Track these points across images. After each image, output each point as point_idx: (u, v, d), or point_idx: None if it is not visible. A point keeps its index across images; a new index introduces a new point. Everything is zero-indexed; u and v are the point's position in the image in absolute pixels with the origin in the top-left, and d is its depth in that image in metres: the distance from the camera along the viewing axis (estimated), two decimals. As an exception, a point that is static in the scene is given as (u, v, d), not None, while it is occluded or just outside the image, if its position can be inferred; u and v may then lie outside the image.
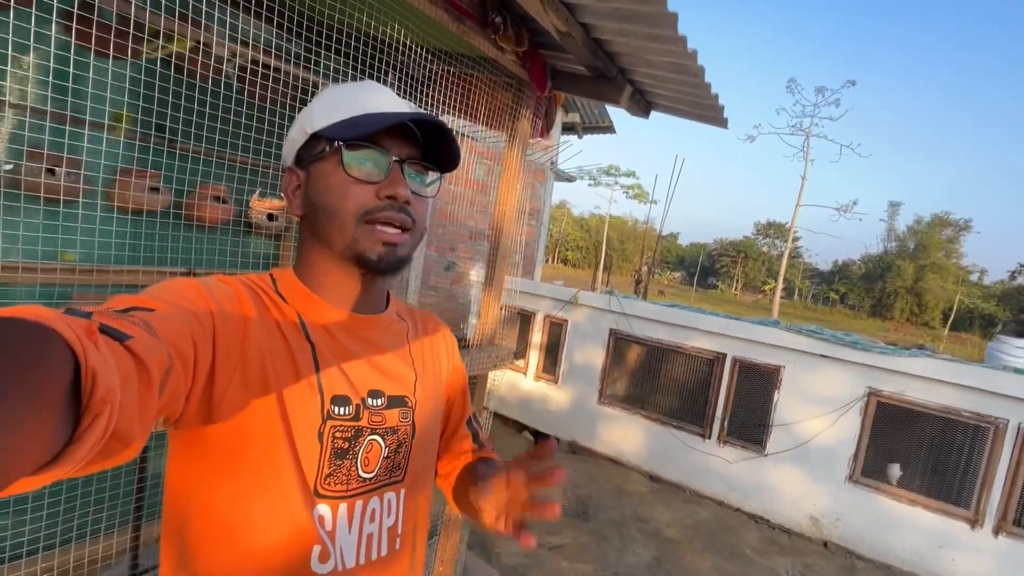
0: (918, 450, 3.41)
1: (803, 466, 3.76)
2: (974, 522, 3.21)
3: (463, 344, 2.06)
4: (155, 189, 1.99)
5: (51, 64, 1.32)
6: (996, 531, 3.15)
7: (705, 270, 64.87)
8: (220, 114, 1.74)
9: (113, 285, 1.88)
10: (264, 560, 0.54)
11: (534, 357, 5.08)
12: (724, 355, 4.07)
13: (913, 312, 43.48)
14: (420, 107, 1.30)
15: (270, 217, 2.34)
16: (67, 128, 1.68)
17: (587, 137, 7.01)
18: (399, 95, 0.63)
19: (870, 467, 3.55)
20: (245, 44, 1.70)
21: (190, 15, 1.39)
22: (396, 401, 0.62)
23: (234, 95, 1.85)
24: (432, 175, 0.63)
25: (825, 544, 3.66)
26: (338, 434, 0.57)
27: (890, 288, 44.26)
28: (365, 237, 0.56)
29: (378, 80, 1.77)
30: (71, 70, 1.27)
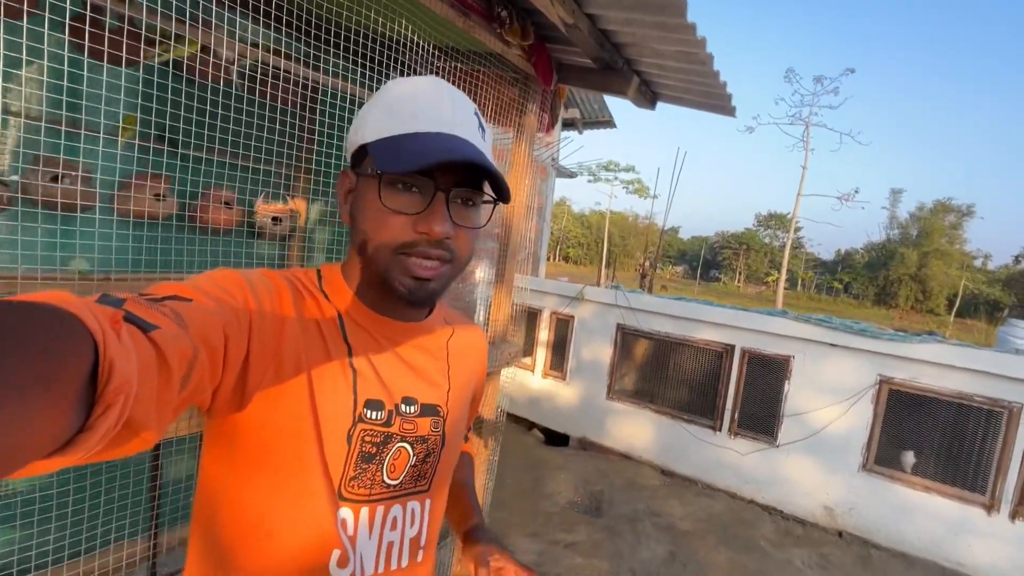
0: (932, 436, 3.39)
1: (816, 456, 3.74)
2: (990, 508, 3.19)
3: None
4: (162, 195, 1.99)
5: (64, 71, 1.32)
6: (1013, 516, 3.14)
7: (707, 263, 64.76)
8: (225, 117, 1.74)
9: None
10: (286, 558, 0.54)
11: (541, 354, 5.07)
12: (733, 347, 4.05)
13: (918, 299, 43.31)
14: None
15: (275, 220, 2.34)
16: (81, 134, 1.68)
17: (587, 132, 7.00)
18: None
19: (883, 455, 3.53)
20: (251, 46, 1.69)
21: (201, 17, 1.38)
22: (429, 410, 0.62)
23: (234, 97, 1.84)
24: (486, 199, 0.58)
25: (840, 534, 3.64)
26: (367, 438, 0.56)
27: (894, 276, 44.09)
28: (398, 269, 0.54)
29: (383, 78, 1.76)
30: (84, 76, 1.26)
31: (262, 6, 1.34)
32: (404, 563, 0.60)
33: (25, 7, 1.08)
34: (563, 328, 4.94)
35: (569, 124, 6.69)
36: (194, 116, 1.70)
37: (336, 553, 0.55)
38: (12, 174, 1.57)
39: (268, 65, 1.74)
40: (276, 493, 0.53)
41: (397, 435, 0.58)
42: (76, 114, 1.54)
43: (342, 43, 1.49)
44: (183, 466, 2.04)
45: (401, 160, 0.51)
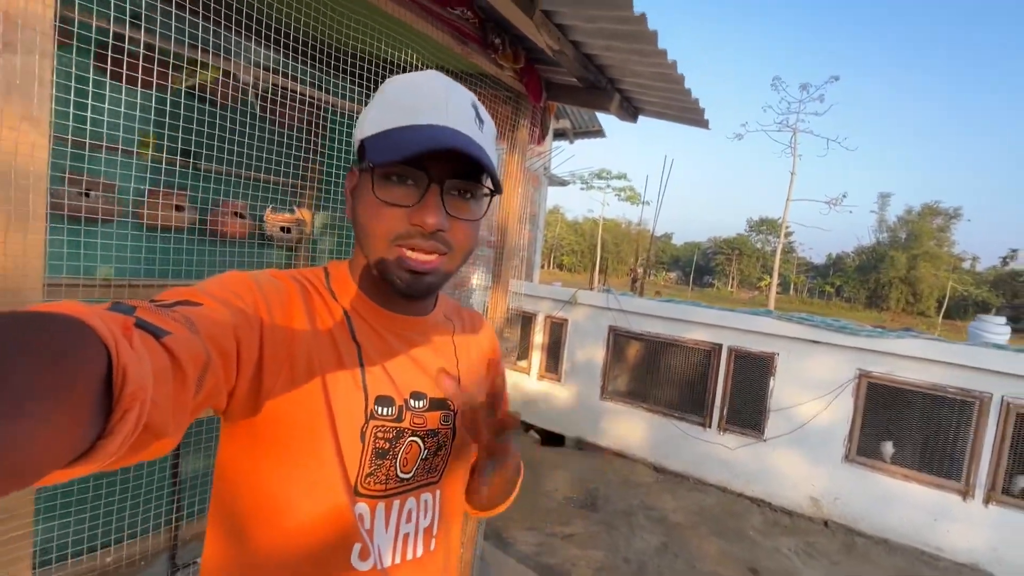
0: (909, 427, 3.56)
1: (801, 449, 3.90)
2: (965, 493, 3.36)
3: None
4: (180, 207, 2.14)
5: (90, 93, 1.46)
6: (986, 501, 3.30)
7: (700, 269, 65.24)
8: (238, 134, 1.89)
9: (139, 299, 2.02)
10: (309, 549, 0.54)
11: (536, 357, 5.22)
12: (720, 346, 4.22)
13: (908, 302, 43.81)
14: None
15: (284, 229, 2.49)
16: (102, 155, 1.84)
17: (578, 142, 7.20)
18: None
19: (865, 446, 3.70)
20: (265, 71, 1.85)
21: (222, 45, 1.54)
22: (438, 404, 0.62)
23: (248, 116, 2.00)
24: (484, 191, 0.58)
25: (826, 523, 3.79)
26: (380, 434, 0.57)
27: (884, 279, 44.63)
28: (393, 262, 0.55)
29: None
30: (108, 97, 1.41)
31: (274, 35, 1.50)
32: (419, 552, 0.62)
33: (57, 38, 1.23)
34: (557, 331, 5.09)
35: (560, 134, 6.88)
36: (206, 133, 1.85)
37: (357, 547, 0.56)
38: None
39: (278, 87, 1.90)
40: (295, 487, 0.54)
41: (408, 430, 0.59)
42: (99, 130, 1.69)
43: (347, 67, 1.65)
44: (200, 463, 2.16)
45: (389, 151, 0.52)
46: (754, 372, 4.09)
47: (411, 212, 0.53)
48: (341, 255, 2.68)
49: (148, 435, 0.32)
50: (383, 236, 0.54)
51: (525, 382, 5.28)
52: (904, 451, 3.59)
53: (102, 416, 0.28)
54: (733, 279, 58.36)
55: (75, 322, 0.28)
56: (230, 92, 1.98)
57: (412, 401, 0.60)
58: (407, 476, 0.60)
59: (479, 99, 0.61)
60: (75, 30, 1.52)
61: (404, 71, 1.74)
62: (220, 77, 1.85)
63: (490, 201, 0.60)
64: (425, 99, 0.55)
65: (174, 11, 1.33)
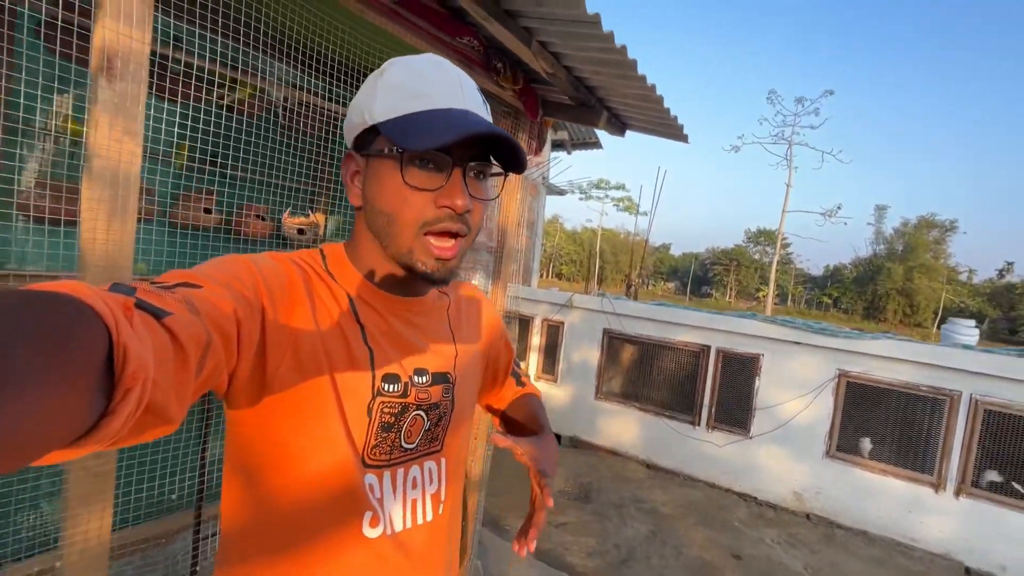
0: (885, 424, 3.76)
1: (785, 445, 4.09)
2: (937, 486, 3.55)
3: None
4: (208, 210, 2.37)
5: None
6: (957, 493, 3.49)
7: (699, 279, 65.50)
8: (261, 143, 2.12)
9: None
10: (320, 526, 0.56)
11: (534, 359, 5.42)
12: (708, 347, 4.43)
13: (906, 313, 44.06)
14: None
15: (299, 232, 2.72)
16: (144, 163, 2.06)
17: (576, 153, 7.45)
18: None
19: (844, 442, 3.89)
20: (290, 87, 2.09)
21: (250, 64, 1.77)
22: (439, 378, 0.65)
23: (269, 127, 2.24)
24: (495, 172, 0.61)
25: (808, 516, 3.98)
26: (386, 409, 0.59)
27: (881, 290, 44.92)
28: (420, 250, 0.56)
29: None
30: (150, 114, 1.64)
31: (297, 54, 1.73)
32: (429, 517, 0.65)
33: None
34: (554, 334, 5.30)
35: (559, 145, 7.14)
36: (232, 141, 2.08)
37: (368, 515, 0.58)
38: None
39: (300, 102, 2.13)
40: (306, 466, 0.55)
41: (413, 404, 0.62)
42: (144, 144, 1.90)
43: (359, 80, 1.88)
44: (221, 449, 2.35)
45: (425, 137, 0.51)
46: (740, 372, 4.30)
47: (438, 196, 0.55)
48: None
49: (150, 415, 0.32)
50: (412, 223, 0.55)
51: (523, 383, 5.47)
52: (881, 447, 3.79)
53: (104, 396, 0.28)
54: (731, 290, 58.63)
55: (76, 302, 0.28)
56: (256, 105, 2.21)
57: (416, 377, 0.62)
58: (410, 446, 0.62)
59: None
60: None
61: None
62: (254, 94, 2.08)
63: (503, 181, 0.62)
64: (437, 84, 0.55)
65: (208, 34, 1.56)
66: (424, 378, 0.63)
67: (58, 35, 1.33)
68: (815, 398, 3.96)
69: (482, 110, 0.58)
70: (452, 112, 0.54)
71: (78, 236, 1.05)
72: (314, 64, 1.94)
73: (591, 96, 2.05)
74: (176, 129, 1.91)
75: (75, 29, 1.33)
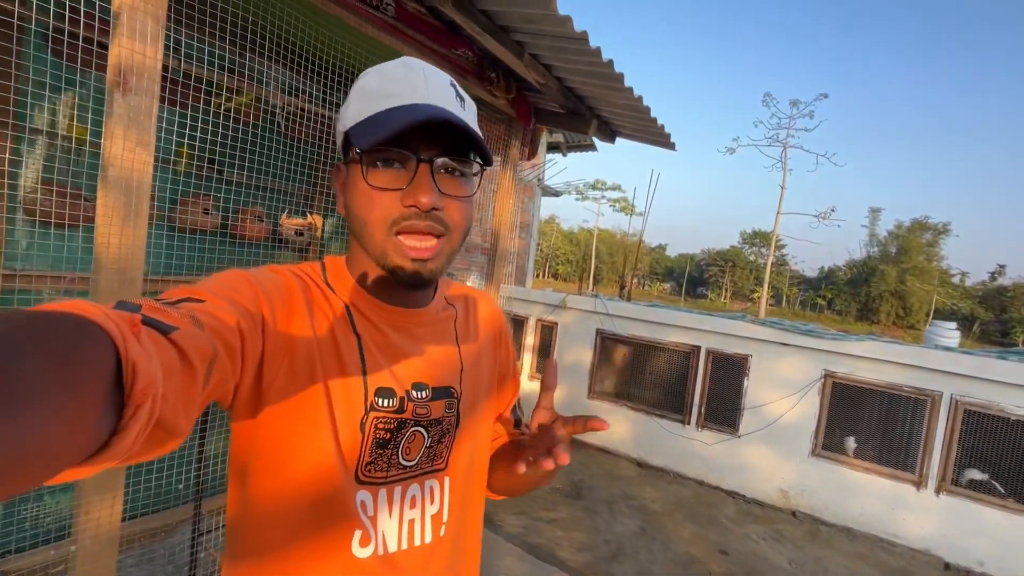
0: (869, 423, 3.85)
1: (772, 444, 4.19)
2: (919, 484, 3.65)
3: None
4: (208, 211, 2.44)
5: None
6: (938, 491, 3.59)
7: (694, 280, 65.76)
8: (259, 148, 2.18)
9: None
10: (309, 541, 0.56)
11: (528, 358, 5.50)
12: (699, 348, 4.51)
13: (899, 315, 44.41)
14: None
15: (297, 233, 2.79)
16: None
17: (573, 154, 7.54)
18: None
19: (830, 441, 3.99)
20: (287, 95, 2.15)
21: (251, 73, 1.84)
22: (441, 393, 0.63)
23: (267, 132, 2.31)
24: (473, 169, 0.58)
25: (794, 513, 4.07)
26: (380, 425, 0.58)
27: (875, 292, 45.25)
28: (394, 251, 0.55)
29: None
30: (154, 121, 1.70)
31: (295, 60, 1.80)
32: (428, 539, 0.62)
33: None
34: (548, 334, 5.38)
35: (554, 147, 7.22)
36: (230, 146, 2.14)
37: (358, 533, 0.57)
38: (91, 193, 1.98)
39: (296, 108, 2.20)
40: (296, 479, 0.55)
41: (411, 420, 0.60)
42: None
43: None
44: (223, 443, 2.42)
45: (372, 134, 0.51)
46: (730, 372, 4.39)
47: (404, 194, 0.53)
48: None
49: (160, 430, 0.32)
50: (379, 223, 0.54)
51: (517, 382, 5.55)
52: (865, 445, 3.88)
53: (114, 413, 0.28)
54: (726, 291, 58.89)
55: (83, 320, 0.28)
56: (255, 111, 2.28)
57: (414, 392, 0.60)
58: (410, 463, 0.60)
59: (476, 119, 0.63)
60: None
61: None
62: (252, 101, 2.15)
63: (480, 177, 0.59)
64: (403, 82, 0.54)
65: (206, 41, 1.63)
66: (423, 393, 0.61)
67: (65, 47, 1.39)
68: (802, 398, 4.06)
69: (454, 105, 0.55)
70: (411, 107, 0.53)
71: (94, 239, 1.12)
72: (313, 72, 2.00)
73: (581, 105, 2.12)
74: (175, 135, 1.97)
75: (81, 36, 1.40)
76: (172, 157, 2.24)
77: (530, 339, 5.49)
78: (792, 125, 22.33)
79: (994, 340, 40.71)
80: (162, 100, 1.93)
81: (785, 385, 4.14)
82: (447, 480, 0.64)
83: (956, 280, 48.03)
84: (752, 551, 3.48)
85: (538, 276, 58.40)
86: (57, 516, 2.06)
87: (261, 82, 2.19)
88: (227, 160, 2.27)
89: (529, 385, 5.50)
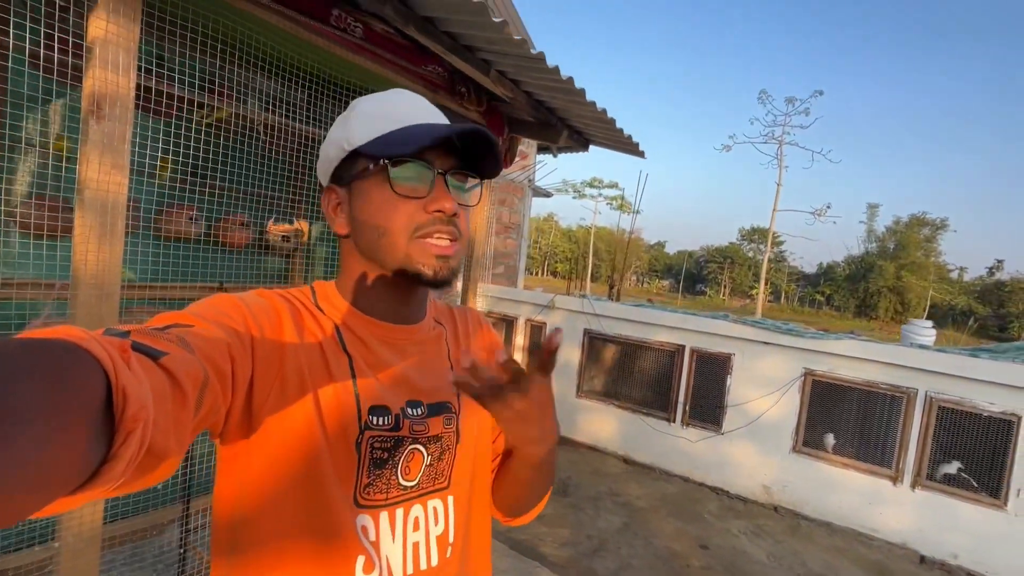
0: (848, 420, 3.94)
1: (755, 441, 4.27)
2: (895, 479, 3.73)
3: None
4: (192, 220, 2.51)
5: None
6: (913, 485, 3.68)
7: (693, 277, 65.85)
8: (243, 157, 2.25)
9: (159, 299, 2.38)
10: (306, 569, 0.54)
11: (517, 358, 5.57)
12: (683, 347, 4.59)
13: (897, 311, 44.47)
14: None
15: (284, 238, 2.86)
16: (131, 177, 2.20)
17: (564, 155, 7.61)
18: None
19: (810, 438, 4.07)
20: (267, 107, 2.23)
21: (234, 88, 1.91)
22: (437, 409, 0.63)
23: (250, 141, 2.38)
24: (472, 183, 0.62)
25: (775, 508, 4.16)
26: (376, 444, 0.57)
27: (873, 288, 45.33)
28: (418, 252, 0.57)
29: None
30: (135, 131, 1.78)
31: (278, 72, 1.87)
32: (434, 562, 0.61)
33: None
34: (537, 334, 5.46)
35: (544, 148, 7.29)
36: (213, 155, 2.21)
37: (361, 559, 0.55)
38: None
39: (277, 119, 2.27)
40: (292, 510, 0.54)
41: (408, 438, 0.59)
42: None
43: (333, 102, 2.02)
44: (208, 444, 2.50)
45: (406, 143, 0.55)
46: (713, 371, 4.47)
47: (427, 201, 0.56)
48: (335, 261, 3.05)
49: (151, 457, 0.32)
50: (404, 230, 0.56)
51: (507, 381, 5.63)
52: (844, 442, 3.96)
53: (105, 440, 0.28)
54: (725, 287, 58.98)
55: (72, 347, 0.28)
56: (233, 121, 2.34)
57: (409, 409, 0.60)
58: (411, 484, 0.59)
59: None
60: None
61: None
62: (232, 114, 2.22)
63: (480, 190, 0.64)
64: (408, 107, 0.60)
65: (184, 54, 1.70)
66: (418, 410, 0.61)
67: (42, 63, 1.46)
68: (783, 396, 4.14)
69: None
70: (426, 125, 0.57)
71: (71, 256, 1.20)
72: (295, 83, 2.08)
73: (552, 116, 2.20)
74: (160, 146, 2.04)
75: (56, 58, 1.47)
76: (156, 167, 2.31)
77: (520, 339, 5.57)
78: (788, 122, 22.38)
79: (992, 335, 40.79)
80: (145, 111, 2.01)
81: (767, 383, 4.22)
82: (451, 499, 0.63)
83: (954, 276, 48.13)
84: (732, 545, 3.57)
85: (537, 274, 58.48)
86: (46, 518, 2.13)
87: (241, 94, 2.26)
88: (210, 169, 2.34)
89: (519, 384, 5.58)
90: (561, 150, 7.53)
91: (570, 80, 1.68)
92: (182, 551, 2.24)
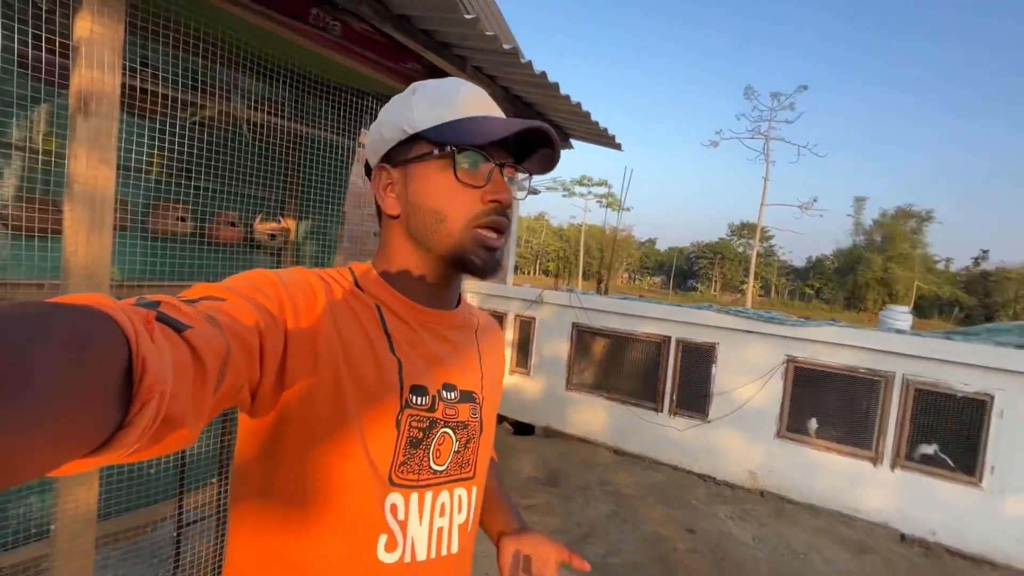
0: (829, 404, 4.04)
1: (740, 428, 4.36)
2: (875, 461, 3.84)
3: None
4: (182, 218, 2.55)
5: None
6: (893, 466, 3.78)
7: (684, 273, 66.24)
8: (231, 156, 2.30)
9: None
10: (331, 546, 0.55)
11: (508, 353, 5.64)
12: (669, 338, 4.68)
13: (885, 302, 44.99)
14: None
15: (271, 237, 2.90)
16: (119, 175, 2.24)
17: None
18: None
19: (793, 423, 4.17)
20: (254, 105, 2.27)
21: (220, 86, 1.95)
22: (467, 396, 0.64)
23: (238, 139, 2.43)
24: (522, 178, 0.64)
25: (762, 493, 4.25)
26: (414, 423, 0.58)
27: (861, 280, 45.88)
28: (471, 242, 0.58)
29: (355, 124, 2.32)
30: (124, 130, 1.82)
31: (265, 72, 1.92)
32: (454, 549, 0.62)
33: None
34: (526, 328, 5.52)
35: (531, 146, 7.37)
36: (201, 154, 2.26)
37: (383, 538, 0.56)
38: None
39: (264, 116, 2.32)
40: (321, 484, 0.54)
41: (440, 420, 0.60)
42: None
43: (325, 99, 2.07)
44: (203, 441, 2.53)
45: (475, 135, 0.56)
46: (698, 361, 4.56)
47: (485, 192, 0.58)
48: (324, 257, 3.10)
49: (167, 428, 0.33)
50: (463, 216, 0.58)
51: (498, 376, 5.69)
52: (826, 426, 4.07)
53: (122, 407, 0.28)
54: (716, 283, 59.40)
55: (98, 313, 0.28)
56: (220, 120, 2.39)
57: (444, 392, 0.62)
58: (440, 468, 0.61)
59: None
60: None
61: (370, 98, 2.17)
62: (219, 112, 2.26)
63: (528, 185, 0.68)
64: (471, 97, 0.60)
65: (168, 53, 1.74)
66: (453, 394, 0.62)
67: (30, 65, 1.50)
68: (766, 383, 4.23)
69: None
70: (490, 118, 0.59)
71: (62, 249, 1.25)
72: (282, 81, 2.12)
73: (531, 111, 2.26)
74: (146, 144, 2.08)
75: (44, 58, 1.52)
76: (144, 166, 2.34)
77: (509, 334, 5.63)
78: (773, 117, 22.64)
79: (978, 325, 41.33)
80: (131, 112, 2.05)
81: (750, 371, 4.31)
82: (475, 490, 0.65)
83: (941, 266, 48.81)
84: (718, 529, 3.65)
85: (529, 272, 58.55)
86: (43, 515, 2.16)
87: (226, 92, 2.30)
88: (198, 167, 2.38)
89: (509, 379, 5.65)
90: (548, 147, 7.62)
91: (543, 75, 1.74)
92: (177, 546, 2.28)
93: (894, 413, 3.79)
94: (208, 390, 0.37)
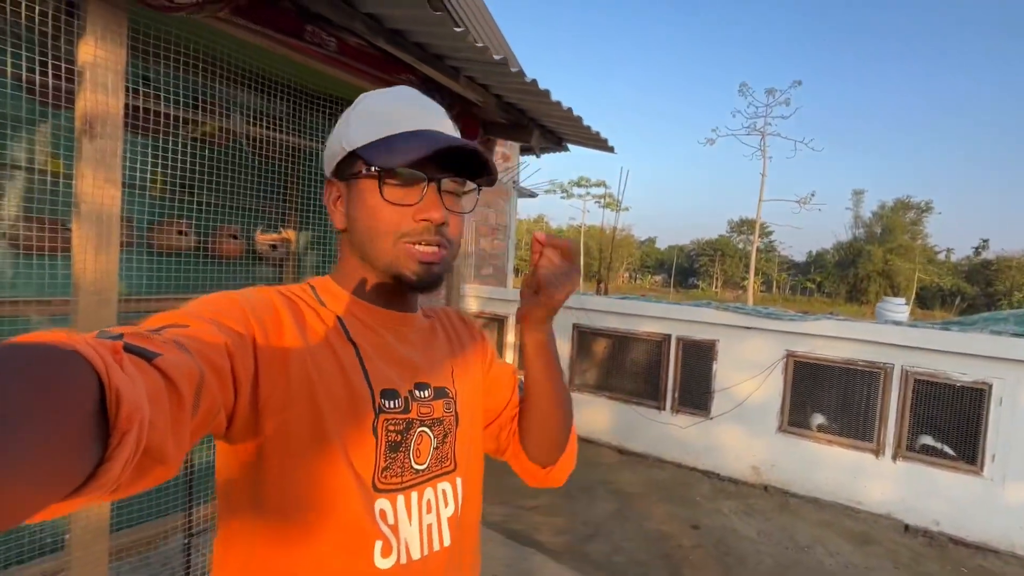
0: (829, 397, 4.07)
1: (742, 423, 4.39)
2: (877, 452, 3.86)
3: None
4: (183, 234, 2.60)
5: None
6: (894, 457, 3.81)
7: (685, 271, 66.23)
8: (232, 170, 2.35)
9: (155, 312, 2.47)
10: (327, 559, 0.54)
11: (509, 356, 5.67)
12: (669, 336, 4.71)
13: (887, 294, 44.94)
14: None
15: (272, 247, 2.95)
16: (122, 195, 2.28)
17: (548, 156, 7.73)
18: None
19: (795, 417, 4.20)
20: (252, 120, 2.32)
21: (219, 104, 2.00)
22: (440, 392, 0.66)
23: (238, 154, 2.47)
24: (468, 188, 0.64)
25: (765, 488, 4.28)
26: (391, 427, 0.59)
27: (862, 273, 45.83)
28: (403, 257, 0.59)
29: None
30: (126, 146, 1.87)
31: (264, 87, 1.96)
32: (447, 542, 0.63)
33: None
34: (527, 331, 5.56)
35: (528, 150, 7.41)
36: (201, 169, 2.30)
37: (379, 544, 0.56)
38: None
39: (262, 131, 2.37)
40: (310, 501, 0.54)
41: (416, 420, 0.61)
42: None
43: (322, 111, 2.12)
44: (208, 455, 2.57)
45: (396, 153, 0.56)
46: (699, 358, 4.59)
47: (415, 210, 0.58)
48: (325, 268, 3.15)
49: (148, 459, 0.32)
50: (390, 234, 0.58)
51: (500, 379, 5.72)
52: (827, 419, 4.09)
53: (100, 443, 0.27)
54: (717, 280, 59.38)
55: (63, 349, 0.27)
56: (220, 136, 2.43)
57: (417, 391, 0.63)
58: (421, 467, 0.62)
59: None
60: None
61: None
62: (219, 129, 2.31)
63: (477, 196, 0.66)
64: (406, 109, 0.60)
65: (168, 73, 1.78)
66: (425, 392, 0.64)
67: (38, 89, 1.55)
68: (767, 378, 4.26)
69: (450, 129, 0.63)
70: (421, 133, 0.59)
71: (71, 266, 1.29)
72: (278, 97, 2.17)
73: (524, 117, 2.31)
74: (149, 162, 2.13)
75: (51, 83, 1.56)
76: (146, 183, 2.39)
77: (511, 337, 5.67)
78: (769, 113, 22.69)
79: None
80: (135, 131, 2.10)
81: (751, 366, 4.34)
82: (459, 480, 0.66)
83: (941, 257, 48.77)
84: (722, 525, 3.68)
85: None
86: (56, 527, 2.20)
87: (226, 108, 2.35)
88: (199, 183, 2.43)
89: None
90: (544, 150, 7.65)
91: (534, 82, 1.78)
92: (187, 558, 2.31)
93: (894, 404, 3.81)
94: (185, 416, 0.37)
